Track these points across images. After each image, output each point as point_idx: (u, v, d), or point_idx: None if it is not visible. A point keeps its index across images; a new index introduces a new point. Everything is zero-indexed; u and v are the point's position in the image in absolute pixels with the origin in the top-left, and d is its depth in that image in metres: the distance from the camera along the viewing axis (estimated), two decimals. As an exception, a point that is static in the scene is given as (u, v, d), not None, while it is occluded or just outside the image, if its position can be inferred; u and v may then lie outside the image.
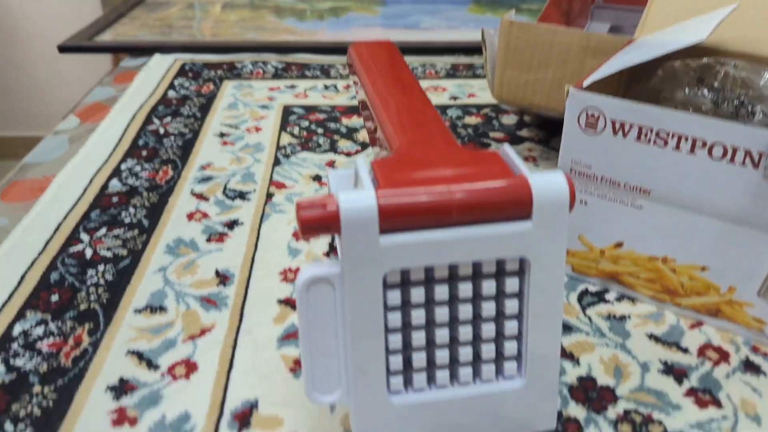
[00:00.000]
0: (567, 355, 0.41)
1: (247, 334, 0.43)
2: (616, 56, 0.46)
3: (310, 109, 0.77)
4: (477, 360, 0.33)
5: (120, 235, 0.53)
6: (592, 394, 0.38)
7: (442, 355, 0.32)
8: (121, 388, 0.38)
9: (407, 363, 0.33)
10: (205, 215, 0.56)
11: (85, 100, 0.81)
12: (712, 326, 0.43)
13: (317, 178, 0.62)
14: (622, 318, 0.44)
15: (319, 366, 0.32)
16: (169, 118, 0.75)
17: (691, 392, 0.38)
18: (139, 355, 0.41)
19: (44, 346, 0.41)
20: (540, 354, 0.33)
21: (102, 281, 0.47)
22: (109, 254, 0.50)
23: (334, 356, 0.32)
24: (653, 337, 0.42)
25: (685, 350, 0.41)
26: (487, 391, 0.33)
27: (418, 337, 0.32)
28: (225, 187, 0.60)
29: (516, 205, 0.30)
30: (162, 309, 0.45)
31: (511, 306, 0.32)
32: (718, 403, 0.38)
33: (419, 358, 0.32)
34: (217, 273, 0.48)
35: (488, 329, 0.33)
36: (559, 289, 0.32)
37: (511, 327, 0.33)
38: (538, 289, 0.32)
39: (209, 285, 0.47)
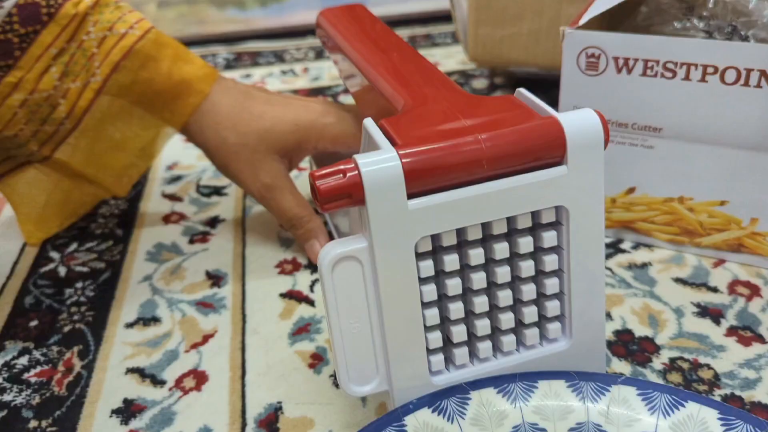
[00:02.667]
0: (597, 310, 0.39)
1: (254, 334, 0.39)
2: (602, -5, 0.44)
3: (272, 96, 0.73)
4: (519, 326, 0.31)
5: (93, 248, 0.48)
6: (633, 347, 0.36)
7: (482, 325, 0.30)
8: (128, 410, 0.35)
9: (446, 339, 0.30)
10: (182, 216, 0.52)
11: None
12: (735, 262, 0.42)
13: (295, 164, 0.58)
14: (644, 266, 0.42)
15: (353, 354, 0.29)
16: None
17: (732, 331, 0.37)
18: (141, 372, 0.37)
19: (32, 376, 0.37)
20: (585, 312, 0.31)
21: (83, 299, 0.43)
22: (85, 269, 0.46)
23: (369, 341, 0.29)
24: (680, 281, 0.41)
25: (715, 290, 0.40)
26: (532, 358, 0.31)
27: (456, 309, 0.29)
28: (197, 185, 0.56)
29: (550, 149, 0.28)
30: (155, 320, 0.41)
31: (550, 261, 0.29)
32: (761, 339, 0.36)
33: (459, 332, 0.30)
34: (208, 274, 0.45)
35: (528, 290, 0.30)
36: (600, 238, 0.29)
37: (552, 285, 0.30)
38: (577, 241, 0.29)
39: (201, 288, 0.43)
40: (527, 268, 0.29)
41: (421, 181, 0.26)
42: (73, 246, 0.49)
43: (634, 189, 0.43)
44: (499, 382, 0.30)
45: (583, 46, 0.39)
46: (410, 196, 0.27)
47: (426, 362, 0.30)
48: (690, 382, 0.34)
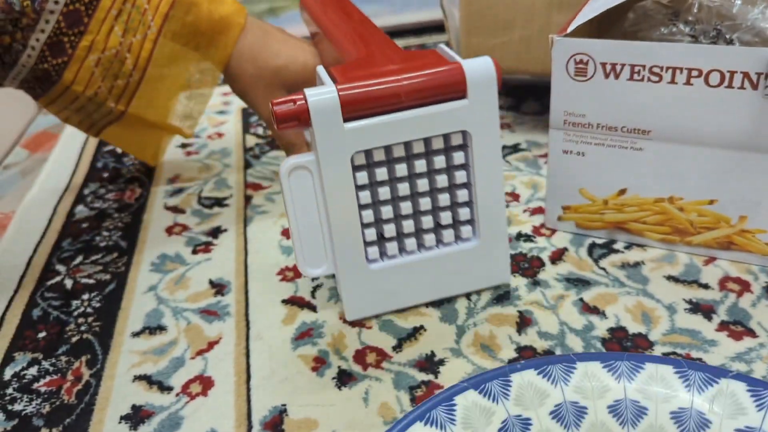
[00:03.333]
0: (591, 309, 0.40)
1: (257, 339, 0.40)
2: (589, 3, 0.45)
3: (270, 108, 0.75)
4: (438, 228, 0.40)
5: (98, 260, 0.49)
6: (627, 344, 0.37)
7: (408, 225, 0.39)
8: (137, 416, 0.36)
9: (380, 235, 0.39)
10: (184, 227, 0.53)
11: (29, 130, 0.77)
12: (725, 260, 0.43)
13: (294, 174, 0.59)
14: (637, 264, 0.43)
15: (307, 243, 0.38)
16: (124, 136, 0.71)
17: (723, 326, 0.38)
18: (148, 379, 0.38)
19: (42, 386, 0.38)
20: (489, 216, 0.39)
21: (90, 310, 0.44)
22: (91, 281, 0.47)
23: (318, 234, 0.38)
24: (672, 279, 0.42)
25: (706, 286, 0.41)
26: (448, 253, 0.40)
27: (387, 211, 0.38)
28: (199, 197, 0.57)
29: (453, 86, 0.36)
30: (161, 328, 0.42)
31: (460, 176, 0.38)
32: (751, 333, 0.37)
33: (389, 229, 0.38)
34: (212, 283, 0.46)
35: (444, 198, 0.39)
36: (498, 157, 0.38)
37: (462, 195, 0.39)
38: (480, 159, 0.38)
39: (205, 296, 0.44)
40: (442, 180, 0.38)
41: (353, 108, 0.35)
42: (79, 259, 0.50)
43: (625, 190, 0.44)
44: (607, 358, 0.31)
45: (572, 53, 0.41)
46: (346, 120, 0.35)
47: (363, 252, 0.38)
48: (683, 375, 0.35)
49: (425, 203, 0.38)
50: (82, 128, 0.53)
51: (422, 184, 0.38)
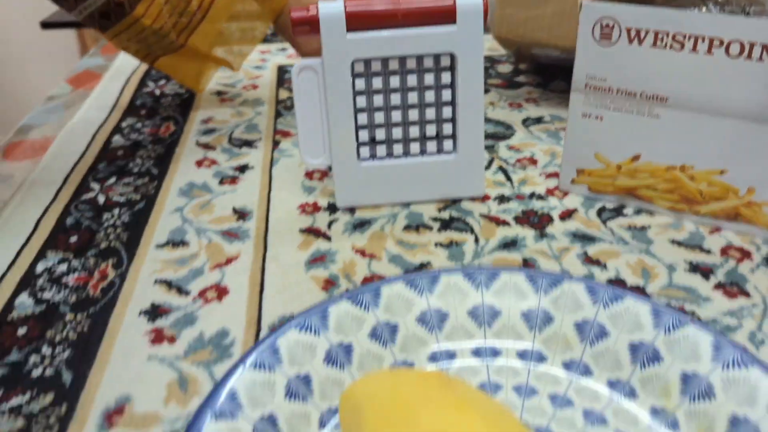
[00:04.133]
0: (593, 261, 0.41)
1: (273, 260, 0.42)
2: (622, -26, 0.47)
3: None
4: (423, 139, 0.46)
5: (130, 182, 0.52)
6: (624, 293, 0.39)
7: (397, 132, 0.45)
8: (155, 312, 0.38)
9: (372, 139, 0.46)
10: (213, 162, 0.55)
11: (74, 68, 0.80)
12: (731, 230, 0.44)
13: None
14: (643, 228, 0.45)
15: (310, 136, 0.45)
16: (164, 81, 0.74)
17: (720, 286, 0.39)
18: (168, 284, 0.40)
19: (70, 280, 0.41)
20: (468, 134, 0.45)
21: (119, 223, 0.47)
22: (122, 199, 0.50)
23: (320, 129, 0.45)
24: (675, 242, 0.43)
25: (708, 251, 0.42)
26: (430, 162, 0.46)
27: (379, 116, 0.45)
28: (230, 137, 0.60)
29: (445, 13, 0.42)
30: (184, 243, 0.44)
31: (446, 94, 0.45)
32: (746, 294, 0.38)
33: (380, 133, 0.45)
34: (235, 210, 0.48)
35: (430, 112, 0.45)
36: (480, 81, 0.44)
37: (446, 111, 0.45)
38: (463, 81, 0.44)
39: (228, 221, 0.47)
40: (430, 96, 0.45)
41: (356, 21, 0.42)
42: (113, 180, 0.53)
43: (638, 156, 0.45)
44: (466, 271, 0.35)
45: (598, 17, 0.42)
46: (349, 30, 0.42)
47: (356, 150, 0.45)
48: (674, 324, 0.36)
49: (413, 115, 0.45)
50: (139, 56, 0.58)
51: (412, 98, 0.45)
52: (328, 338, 0.32)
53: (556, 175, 0.52)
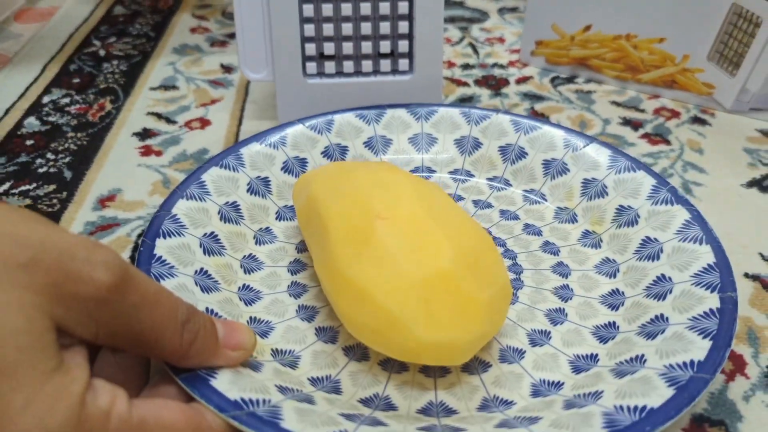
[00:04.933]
0: (538, 114, 0.46)
1: (253, 103, 0.47)
2: None
3: None
4: (377, 57, 0.42)
5: (129, 42, 0.57)
6: (560, 138, 0.44)
7: (347, 47, 0.41)
8: (145, 133, 0.43)
9: (320, 54, 0.41)
10: (207, 30, 0.60)
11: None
12: (668, 98, 0.49)
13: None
14: (589, 92, 0.49)
15: (250, 48, 0.40)
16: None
17: (645, 135, 0.44)
18: (158, 115, 0.46)
19: (72, 109, 0.46)
20: (426, 54, 0.41)
21: (117, 71, 0.52)
22: (121, 53, 0.55)
23: (262, 40, 0.40)
24: (615, 103, 0.48)
25: (643, 111, 0.47)
26: (383, 81, 0.42)
27: (328, 28, 0.40)
28: (223, 11, 0.64)
29: None
30: (174, 87, 0.49)
31: (402, 6, 0.40)
32: (667, 142, 0.43)
33: (329, 47, 0.41)
34: (222, 66, 0.53)
35: (384, 26, 0.41)
36: None
37: (402, 26, 0.41)
38: None
39: (216, 73, 0.52)
40: (384, 7, 0.40)
41: None
42: (113, 39, 0.57)
43: (590, 27, 0.49)
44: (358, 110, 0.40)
45: None
46: None
47: (302, 65, 0.41)
48: (597, 159, 0.41)
49: (366, 28, 0.40)
50: None
51: (365, 8, 0.40)
52: (286, 152, 0.37)
53: (517, 51, 0.56)
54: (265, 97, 0.48)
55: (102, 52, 0.55)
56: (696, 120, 0.46)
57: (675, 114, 0.47)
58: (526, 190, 0.37)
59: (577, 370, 0.26)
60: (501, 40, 0.58)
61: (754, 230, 0.36)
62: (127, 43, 0.56)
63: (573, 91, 0.49)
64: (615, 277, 0.31)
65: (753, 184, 0.39)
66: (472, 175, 0.38)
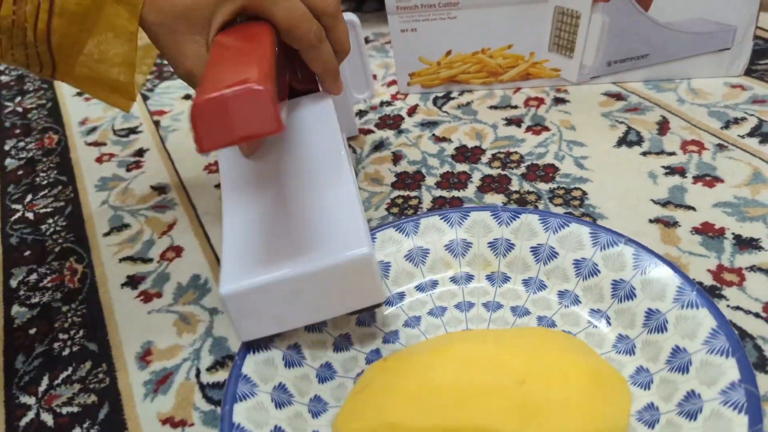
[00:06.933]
0: (441, 139, 0.55)
1: (206, 214, 0.53)
2: None
3: None
4: None
5: (47, 194, 0.59)
6: (468, 155, 0.53)
7: None
8: (133, 281, 0.48)
9: None
10: (112, 155, 0.63)
11: None
12: (527, 87, 0.60)
13: (189, 96, 0.70)
14: (468, 104, 0.59)
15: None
16: (19, 97, 0.78)
17: (528, 129, 0.55)
18: (131, 258, 0.50)
19: (47, 283, 0.49)
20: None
21: (58, 227, 0.54)
22: (48, 209, 0.57)
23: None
24: (492, 107, 0.58)
25: (515, 107, 0.57)
26: None
27: None
28: (113, 130, 0.67)
29: None
30: (126, 226, 0.53)
31: None
32: (546, 128, 0.54)
33: None
34: (153, 188, 0.57)
35: None
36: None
37: None
38: None
39: (151, 198, 0.56)
40: None
41: None
42: (29, 197, 0.59)
43: (450, 51, 0.59)
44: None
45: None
46: None
47: None
48: (505, 164, 0.51)
49: None
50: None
51: None
52: None
53: (394, 82, 0.64)
54: (215, 201, 0.53)
55: (30, 215, 0.57)
56: (558, 101, 0.57)
57: (540, 101, 0.57)
58: (560, 292, 0.38)
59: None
60: (374, 76, 0.66)
61: (640, 181, 0.47)
62: (46, 196, 0.59)
63: (456, 107, 0.59)
64: (649, 388, 0.32)
65: (621, 143, 0.51)
66: (508, 278, 0.40)
